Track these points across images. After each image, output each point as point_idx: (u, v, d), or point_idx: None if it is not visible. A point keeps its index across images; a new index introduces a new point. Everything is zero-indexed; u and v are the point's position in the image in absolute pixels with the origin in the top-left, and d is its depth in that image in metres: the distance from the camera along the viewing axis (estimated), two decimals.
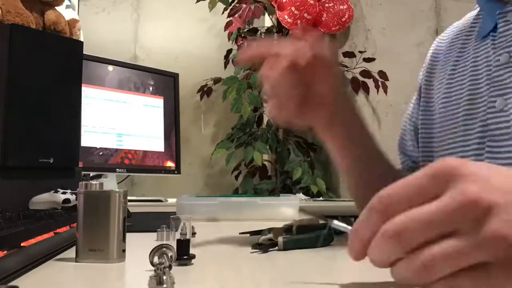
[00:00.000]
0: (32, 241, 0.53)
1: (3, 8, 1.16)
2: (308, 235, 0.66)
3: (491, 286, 0.32)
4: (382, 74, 2.47)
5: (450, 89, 0.75)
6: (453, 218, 0.31)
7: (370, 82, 2.50)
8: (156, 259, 0.47)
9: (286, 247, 0.62)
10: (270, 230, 0.68)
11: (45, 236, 0.58)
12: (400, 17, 2.55)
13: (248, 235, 0.74)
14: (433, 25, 2.56)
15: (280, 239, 0.63)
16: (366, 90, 2.52)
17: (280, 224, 0.69)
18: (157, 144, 1.87)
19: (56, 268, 0.50)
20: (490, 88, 0.67)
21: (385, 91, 2.47)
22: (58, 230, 0.63)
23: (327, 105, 0.67)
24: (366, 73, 2.49)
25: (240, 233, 0.76)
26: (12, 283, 0.40)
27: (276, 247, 0.62)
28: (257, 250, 0.62)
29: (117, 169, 1.73)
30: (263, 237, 0.65)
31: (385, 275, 0.34)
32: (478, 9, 0.77)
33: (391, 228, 0.32)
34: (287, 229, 0.66)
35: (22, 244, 0.50)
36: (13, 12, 1.17)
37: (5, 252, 0.45)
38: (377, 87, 2.48)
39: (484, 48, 0.70)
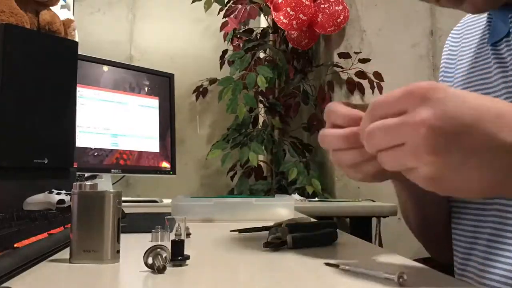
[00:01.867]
0: (26, 242, 0.53)
1: None
2: (316, 233, 0.67)
3: (402, 164, 0.45)
4: (377, 75, 2.48)
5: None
6: (399, 133, 0.44)
7: (365, 83, 2.51)
8: (150, 260, 0.47)
9: (295, 245, 0.63)
10: (267, 227, 0.69)
11: (39, 237, 0.57)
12: (395, 18, 2.56)
13: (238, 232, 0.77)
14: (428, 26, 2.57)
15: (289, 238, 0.63)
16: (362, 91, 2.52)
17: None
18: (152, 144, 1.87)
19: (50, 269, 0.50)
20: (508, 94, 0.65)
21: (380, 92, 2.47)
22: (52, 231, 0.62)
23: None
24: (361, 74, 2.49)
25: (230, 231, 0.78)
26: (6, 284, 0.40)
27: (286, 246, 0.63)
28: (268, 249, 0.62)
29: (112, 170, 1.73)
30: (272, 235, 0.65)
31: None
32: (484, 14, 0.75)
33: (366, 130, 0.47)
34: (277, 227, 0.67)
35: (15, 245, 0.50)
36: (7, 12, 1.17)
37: None
38: (372, 88, 2.48)
39: (497, 53, 0.68)
